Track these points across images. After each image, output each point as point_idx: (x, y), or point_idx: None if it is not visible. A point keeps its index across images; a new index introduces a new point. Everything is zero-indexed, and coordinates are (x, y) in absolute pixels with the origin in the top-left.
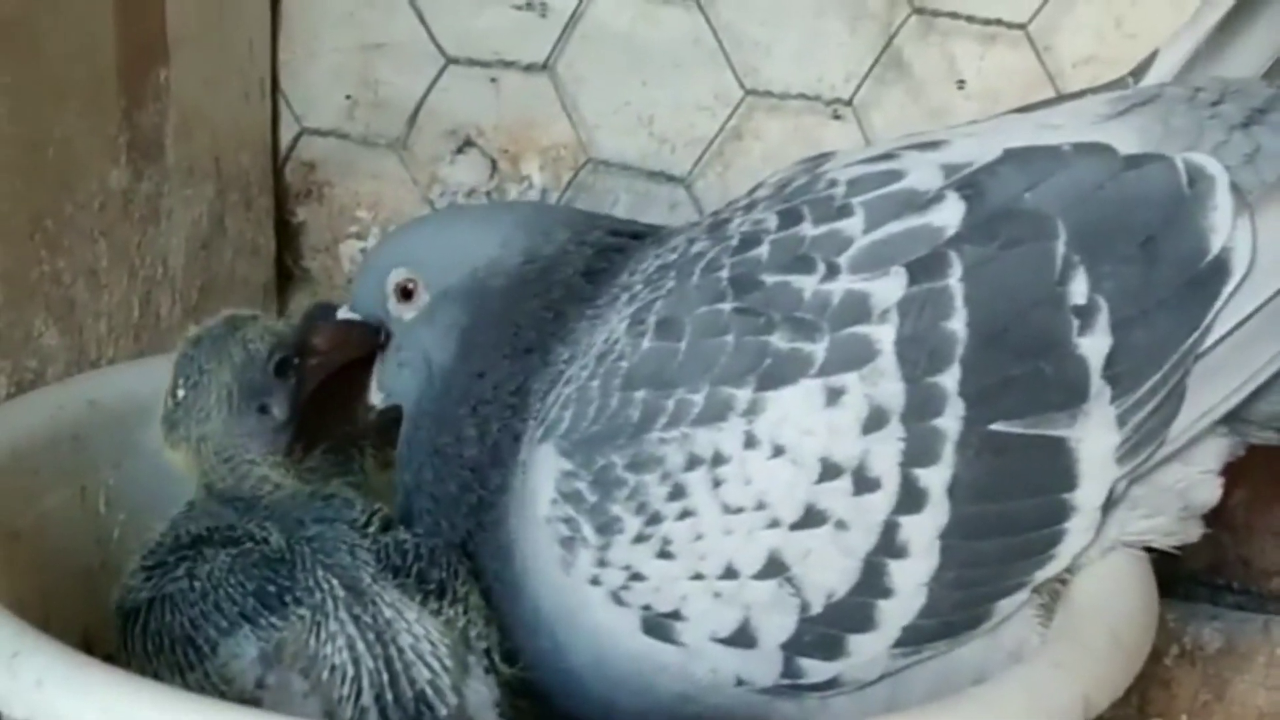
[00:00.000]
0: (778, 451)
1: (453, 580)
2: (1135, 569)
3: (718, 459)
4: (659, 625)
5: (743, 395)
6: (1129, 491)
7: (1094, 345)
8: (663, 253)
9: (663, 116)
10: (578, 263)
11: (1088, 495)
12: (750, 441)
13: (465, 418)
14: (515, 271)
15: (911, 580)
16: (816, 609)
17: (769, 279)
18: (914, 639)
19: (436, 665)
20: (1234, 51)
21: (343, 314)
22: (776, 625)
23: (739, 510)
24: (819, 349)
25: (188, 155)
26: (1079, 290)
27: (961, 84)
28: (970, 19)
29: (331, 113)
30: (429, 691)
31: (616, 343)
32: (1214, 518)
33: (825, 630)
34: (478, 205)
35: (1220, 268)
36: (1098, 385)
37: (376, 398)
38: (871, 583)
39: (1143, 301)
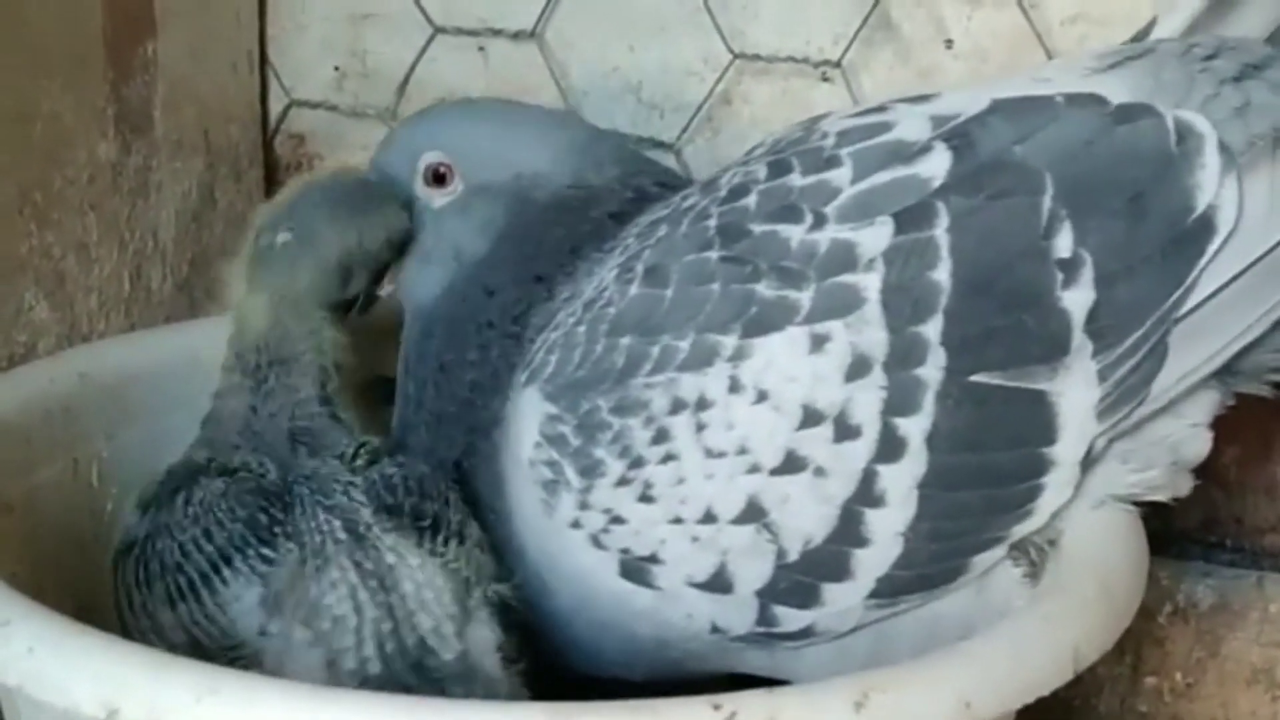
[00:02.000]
0: (761, 397)
1: (446, 510)
2: (1124, 522)
3: (701, 403)
4: (637, 569)
5: (728, 342)
6: (1115, 447)
7: (1077, 299)
8: (657, 209)
9: (651, 82)
10: (615, 203)
11: (1067, 450)
12: (734, 386)
13: (471, 335)
14: (560, 192)
15: (888, 529)
16: (793, 556)
17: (756, 228)
18: (889, 590)
19: (439, 611)
20: (1234, 19)
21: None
22: (753, 571)
23: (720, 455)
24: (804, 297)
25: (176, 128)
26: (1064, 244)
27: (949, 44)
28: None
29: (320, 84)
30: (431, 639)
31: (605, 290)
32: (1206, 475)
33: (801, 578)
34: (530, 107)
35: (1205, 225)
36: (1079, 339)
37: (386, 290)
38: (848, 531)
39: (1127, 257)
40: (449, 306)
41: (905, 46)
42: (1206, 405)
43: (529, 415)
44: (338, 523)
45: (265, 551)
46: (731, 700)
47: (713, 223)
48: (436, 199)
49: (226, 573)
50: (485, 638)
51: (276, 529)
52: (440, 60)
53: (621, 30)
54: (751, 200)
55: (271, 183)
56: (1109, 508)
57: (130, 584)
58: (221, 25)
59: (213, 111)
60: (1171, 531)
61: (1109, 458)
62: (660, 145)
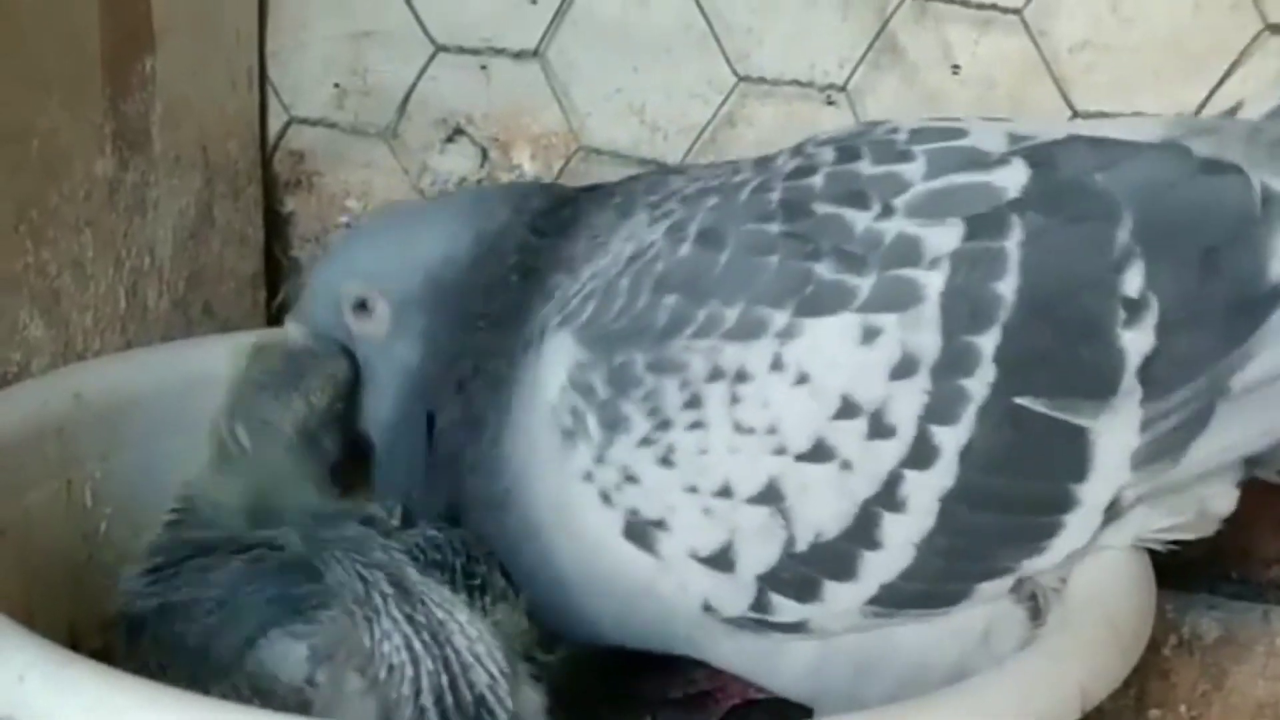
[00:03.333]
0: (802, 379)
1: (493, 575)
2: (1132, 559)
3: (740, 376)
4: (641, 531)
5: (779, 317)
6: (1140, 502)
7: (1136, 341)
8: (699, 177)
9: (654, 104)
10: (525, 224)
11: (1094, 491)
12: (777, 364)
13: (449, 397)
14: (467, 257)
15: (902, 537)
16: (802, 546)
17: (821, 208)
18: (890, 599)
19: (494, 669)
20: None
21: (297, 330)
22: (758, 554)
23: (749, 431)
24: (864, 284)
25: (174, 145)
26: (1133, 282)
27: (956, 69)
28: (965, 3)
29: (320, 101)
30: (489, 696)
31: (651, 245)
32: None
33: (805, 570)
34: (410, 203)
35: (1275, 294)
36: (1130, 382)
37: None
38: (863, 531)
39: (1192, 309)
40: (405, 408)
41: (911, 71)
42: (1234, 473)
43: (558, 359)
44: (382, 574)
45: (300, 625)
46: None
47: (776, 196)
48: (373, 330)
49: (262, 642)
50: (534, 700)
51: (314, 600)
52: (441, 79)
53: (625, 51)
54: (818, 180)
55: (270, 200)
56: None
57: (149, 667)
58: (221, 42)
59: (211, 128)
60: (1177, 563)
61: (1134, 512)
62: (663, 167)
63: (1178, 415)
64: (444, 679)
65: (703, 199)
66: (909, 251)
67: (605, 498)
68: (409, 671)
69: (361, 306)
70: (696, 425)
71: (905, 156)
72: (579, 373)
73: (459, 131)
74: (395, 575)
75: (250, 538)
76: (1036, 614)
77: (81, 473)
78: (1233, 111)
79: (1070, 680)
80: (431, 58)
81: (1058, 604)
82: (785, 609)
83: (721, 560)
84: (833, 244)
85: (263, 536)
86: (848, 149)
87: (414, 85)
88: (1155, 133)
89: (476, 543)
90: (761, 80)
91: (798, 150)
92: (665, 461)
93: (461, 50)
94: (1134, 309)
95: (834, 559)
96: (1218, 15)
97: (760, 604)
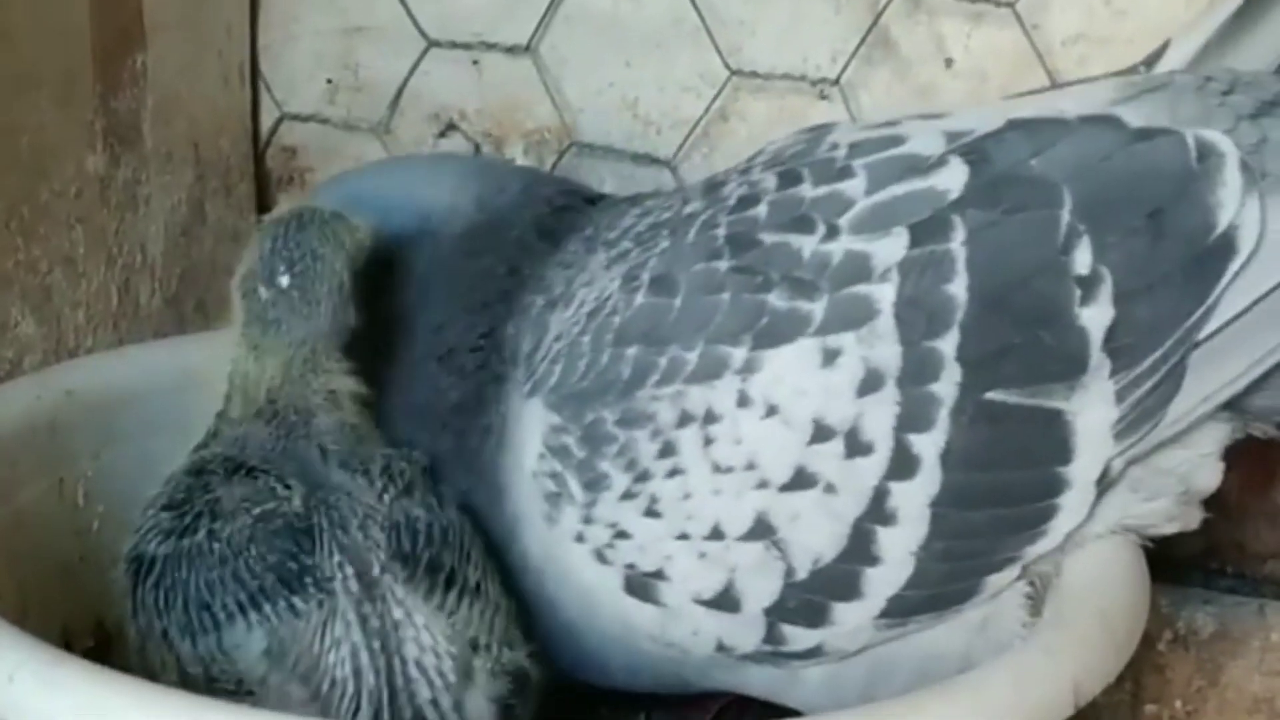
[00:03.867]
0: (771, 411)
1: (465, 566)
2: (1125, 554)
3: (709, 417)
4: (642, 585)
5: (738, 353)
6: (1128, 473)
7: (1095, 317)
8: (651, 210)
9: (647, 98)
10: (529, 217)
11: (1083, 469)
12: (743, 400)
13: (437, 371)
14: (470, 219)
15: (900, 548)
16: (802, 574)
17: (767, 238)
18: (900, 610)
19: (439, 682)
20: (1247, 44)
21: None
22: (761, 589)
23: (729, 470)
24: (817, 308)
25: (166, 141)
26: (1083, 260)
27: (949, 63)
28: None
29: (312, 97)
30: (428, 711)
31: (609, 299)
32: (1207, 501)
33: (810, 596)
34: (421, 154)
35: (1227, 245)
36: (1098, 358)
37: None
38: (859, 549)
39: (1147, 275)
40: (395, 354)
41: (904, 64)
42: (1218, 436)
43: (532, 426)
44: (350, 569)
45: (295, 601)
46: None
47: (721, 232)
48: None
49: (254, 616)
50: (482, 708)
51: (306, 578)
52: (434, 74)
53: (618, 45)
54: (761, 210)
55: (262, 196)
56: (1109, 538)
57: (151, 607)
58: (212, 38)
59: (203, 125)
60: (1172, 558)
61: (1122, 484)
62: (656, 162)
63: (1151, 379)
64: (385, 694)
65: (655, 238)
66: (858, 268)
67: (600, 556)
68: (350, 688)
69: None
70: (675, 472)
71: (845, 173)
72: (553, 437)
73: (452, 127)
74: (363, 562)
75: (260, 476)
76: (1033, 598)
77: (74, 470)
78: (1160, 50)
79: (1064, 676)
80: (424, 53)
81: (1053, 597)
82: (798, 637)
83: (726, 601)
84: (782, 272)
85: (272, 483)
86: (789, 173)
87: (406, 80)
88: (1106, 97)
89: (459, 529)
90: (754, 74)
91: (744, 173)
92: (651, 513)
93: (454, 45)
94: (1088, 285)
95: (837, 581)
96: None
97: (772, 637)
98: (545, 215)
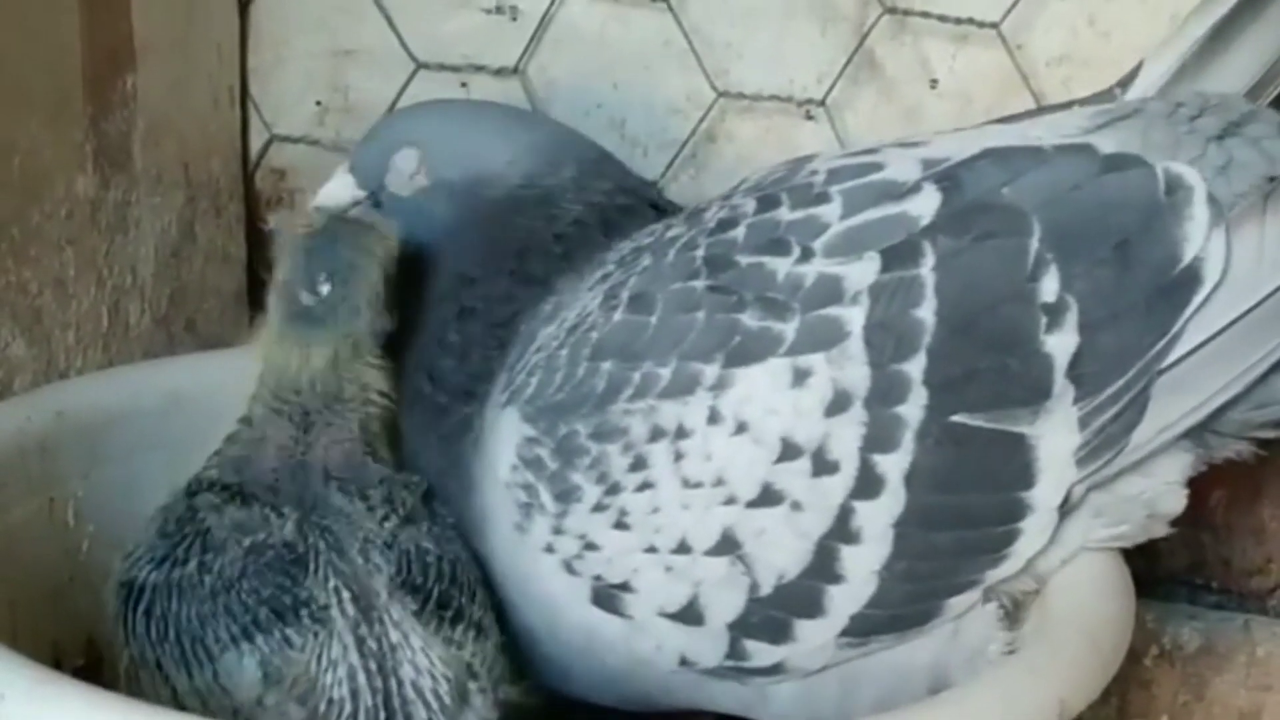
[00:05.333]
0: (740, 428)
1: (471, 606)
2: (1110, 570)
3: (680, 433)
4: (608, 596)
5: (710, 371)
6: (1090, 498)
7: (1061, 344)
8: (639, 237)
9: (635, 119)
10: (571, 215)
11: (1045, 495)
12: (714, 417)
13: (449, 322)
14: (510, 191)
15: (863, 567)
16: (766, 590)
17: (743, 259)
18: (861, 629)
19: (435, 704)
20: (1220, 65)
21: (341, 176)
22: (725, 603)
23: (697, 485)
24: (789, 329)
25: (156, 163)
26: (1049, 288)
27: (934, 83)
28: (942, 18)
29: (302, 119)
30: None
31: (589, 315)
32: (1193, 517)
33: (773, 612)
34: (505, 110)
35: (1192, 277)
36: (1061, 384)
37: None
38: (822, 567)
39: (1112, 304)
40: (421, 293)
41: (889, 86)
42: (1181, 465)
43: (507, 436)
44: (346, 593)
45: (290, 633)
46: None
47: (700, 253)
48: (404, 189)
49: (246, 646)
50: None
51: (301, 611)
52: (422, 96)
53: (605, 67)
54: (739, 232)
55: (252, 218)
56: (1094, 554)
57: (143, 636)
58: (202, 60)
59: (193, 146)
60: (1158, 574)
61: (1084, 510)
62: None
63: (1114, 406)
64: (382, 715)
65: (636, 261)
66: (830, 290)
67: (568, 567)
68: (347, 708)
69: (405, 167)
70: (645, 486)
71: (822, 198)
72: (527, 448)
73: None
74: (362, 586)
75: (253, 504)
76: (1010, 615)
77: (63, 491)
78: (1134, 71)
79: (1049, 692)
80: (412, 75)
81: (1036, 614)
82: (760, 653)
83: (690, 614)
84: (756, 293)
85: (265, 511)
86: (768, 198)
87: (395, 102)
88: (1079, 125)
89: (466, 566)
90: (741, 95)
91: (726, 199)
92: (620, 525)
93: (442, 67)
94: (1054, 313)
95: (800, 598)
96: None
97: (735, 652)
98: (591, 206)
